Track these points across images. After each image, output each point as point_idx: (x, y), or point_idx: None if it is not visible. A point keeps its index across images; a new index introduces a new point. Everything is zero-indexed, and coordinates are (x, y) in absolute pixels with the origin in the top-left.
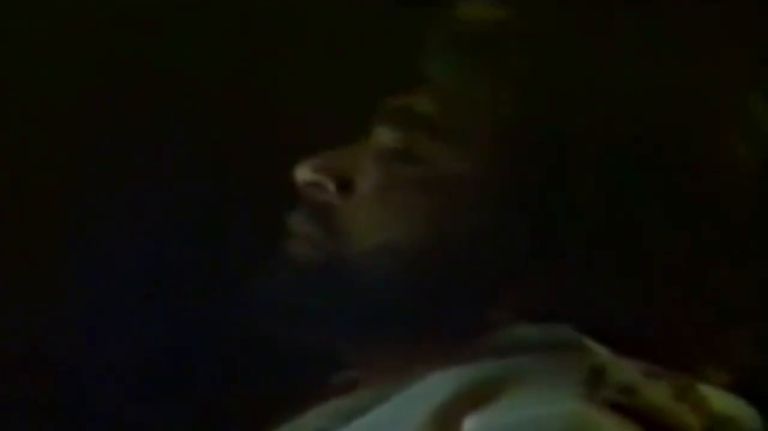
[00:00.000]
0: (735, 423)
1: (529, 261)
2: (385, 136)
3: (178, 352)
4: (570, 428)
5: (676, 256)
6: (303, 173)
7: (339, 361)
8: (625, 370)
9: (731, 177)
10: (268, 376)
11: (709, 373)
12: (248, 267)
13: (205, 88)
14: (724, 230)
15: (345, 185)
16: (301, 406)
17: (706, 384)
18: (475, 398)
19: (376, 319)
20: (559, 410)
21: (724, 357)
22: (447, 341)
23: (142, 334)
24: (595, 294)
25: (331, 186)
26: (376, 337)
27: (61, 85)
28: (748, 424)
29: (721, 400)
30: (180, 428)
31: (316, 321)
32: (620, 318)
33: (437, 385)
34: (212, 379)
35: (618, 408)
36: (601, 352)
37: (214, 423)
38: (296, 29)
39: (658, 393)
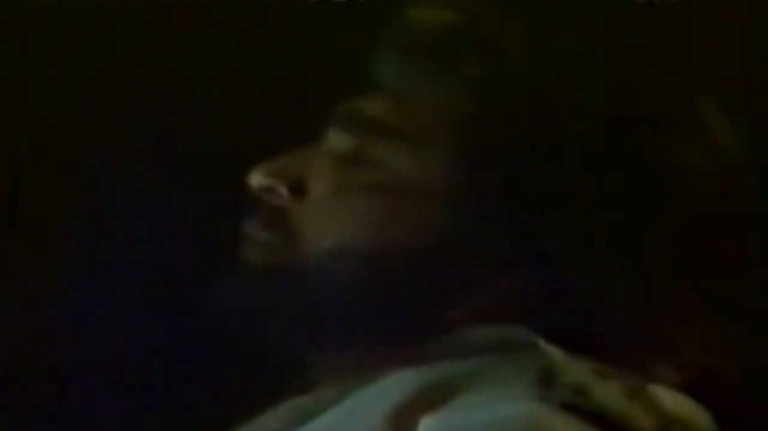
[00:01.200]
0: (687, 423)
1: (485, 263)
2: (338, 139)
3: (137, 355)
4: (525, 429)
5: (629, 259)
6: (256, 178)
7: (298, 363)
8: (578, 371)
9: (682, 181)
10: (228, 379)
11: (660, 374)
12: (207, 273)
13: (165, 92)
14: (675, 233)
15: (298, 189)
16: (261, 408)
17: (657, 385)
18: (430, 399)
19: (332, 321)
20: (514, 411)
21: (674, 358)
22: (403, 342)
23: (102, 337)
24: (550, 295)
25: (283, 190)
26: (334, 339)
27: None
28: (700, 425)
29: (672, 401)
30: (139, 428)
31: (274, 324)
32: (574, 319)
33: (393, 386)
34: (173, 381)
35: (571, 408)
36: (555, 353)
37: (175, 423)
38: (250, 34)
39: (610, 393)
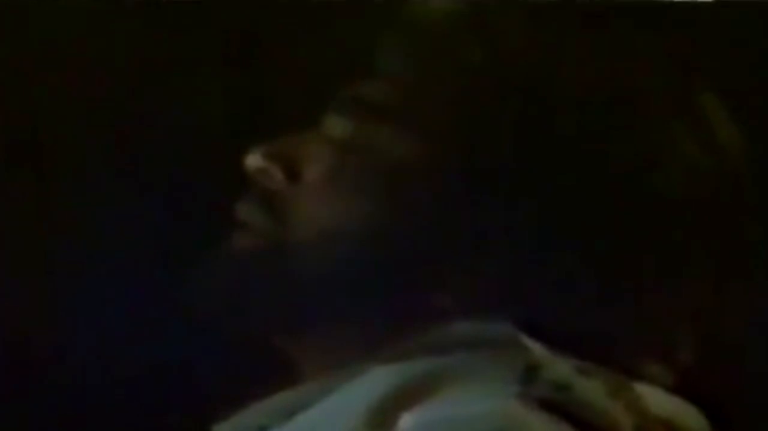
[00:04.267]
0: (673, 424)
1: (477, 249)
2: (336, 124)
3: (120, 341)
4: (500, 426)
5: (619, 252)
6: (253, 160)
7: (284, 352)
8: (560, 368)
9: (680, 176)
10: (212, 367)
11: (653, 373)
12: (195, 257)
13: (165, 76)
14: (669, 227)
15: (293, 173)
16: (245, 399)
17: (647, 384)
18: (411, 395)
19: (320, 308)
20: (489, 408)
21: (667, 357)
22: (390, 330)
23: (85, 319)
24: (540, 286)
25: (278, 174)
26: (320, 327)
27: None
28: (690, 425)
29: (659, 400)
30: (120, 417)
31: (261, 311)
32: (562, 313)
33: (375, 382)
34: (155, 369)
35: (551, 406)
36: (537, 349)
37: (156, 414)
38: (254, 19)
39: (591, 391)
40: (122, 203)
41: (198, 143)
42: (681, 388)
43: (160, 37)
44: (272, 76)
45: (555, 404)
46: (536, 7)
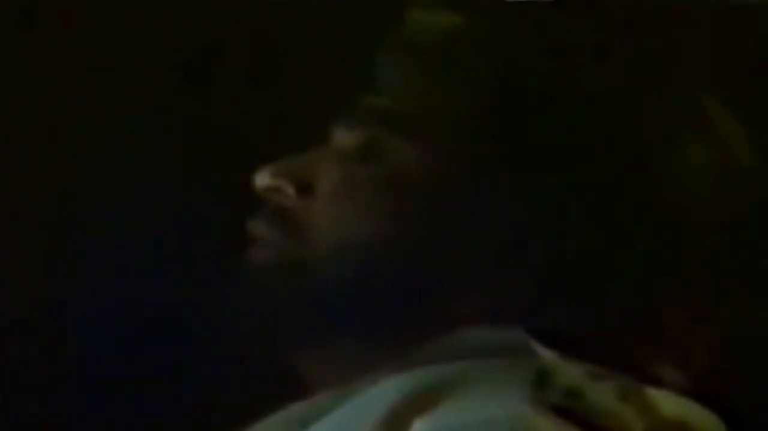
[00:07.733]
0: (687, 426)
1: (491, 257)
2: (344, 136)
3: (137, 358)
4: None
5: (632, 256)
6: (262, 178)
7: (298, 364)
8: (571, 373)
9: (685, 178)
10: (227, 381)
11: (666, 377)
12: (210, 274)
13: (170, 91)
14: (680, 229)
15: (305, 189)
16: (260, 412)
17: (660, 388)
18: (423, 402)
19: (336, 319)
20: (504, 412)
21: (682, 360)
22: (407, 340)
23: (104, 335)
24: (553, 292)
25: (290, 190)
26: (338, 337)
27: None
28: (705, 428)
29: (672, 404)
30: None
31: (277, 325)
32: (576, 318)
33: (388, 390)
34: (164, 380)
35: (562, 411)
36: (548, 355)
37: (165, 427)
38: (252, 34)
39: (602, 395)
40: (136, 226)
41: (207, 159)
42: (695, 391)
43: (163, 50)
44: (274, 92)
45: (566, 410)
46: (531, 17)
